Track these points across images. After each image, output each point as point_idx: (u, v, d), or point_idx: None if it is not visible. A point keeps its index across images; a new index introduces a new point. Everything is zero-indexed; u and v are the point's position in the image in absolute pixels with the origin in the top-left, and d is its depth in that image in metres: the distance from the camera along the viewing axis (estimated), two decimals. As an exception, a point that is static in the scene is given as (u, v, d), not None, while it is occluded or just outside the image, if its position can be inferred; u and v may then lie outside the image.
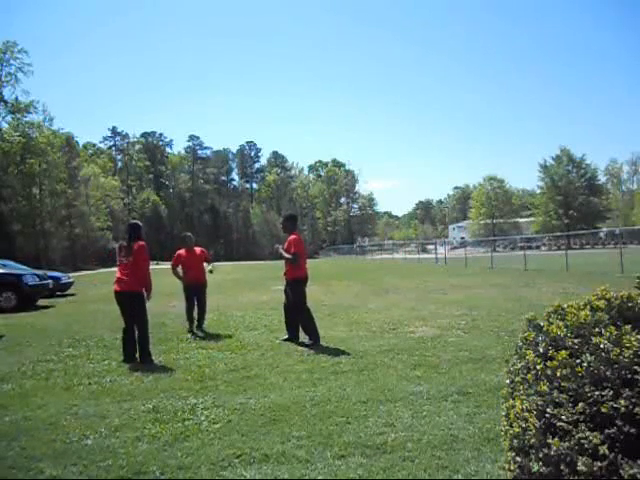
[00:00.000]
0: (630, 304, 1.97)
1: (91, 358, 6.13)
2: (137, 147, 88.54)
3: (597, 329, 1.90)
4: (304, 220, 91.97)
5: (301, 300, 6.58)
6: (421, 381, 4.52)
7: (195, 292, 7.98)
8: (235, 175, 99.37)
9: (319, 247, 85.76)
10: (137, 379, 5.02)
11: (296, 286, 6.62)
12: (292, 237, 6.70)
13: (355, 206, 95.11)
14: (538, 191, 71.76)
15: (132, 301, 5.91)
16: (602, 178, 72.15)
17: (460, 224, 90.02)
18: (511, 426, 1.99)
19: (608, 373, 1.74)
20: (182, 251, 8.14)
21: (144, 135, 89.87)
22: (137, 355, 5.90)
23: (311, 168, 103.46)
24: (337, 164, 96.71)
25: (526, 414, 1.90)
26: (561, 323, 2.02)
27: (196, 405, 4.09)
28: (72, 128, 59.67)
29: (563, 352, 1.87)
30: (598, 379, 1.76)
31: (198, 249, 8.25)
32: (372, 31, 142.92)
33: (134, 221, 6.52)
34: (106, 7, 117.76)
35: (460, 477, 2.69)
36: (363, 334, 7.01)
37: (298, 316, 6.59)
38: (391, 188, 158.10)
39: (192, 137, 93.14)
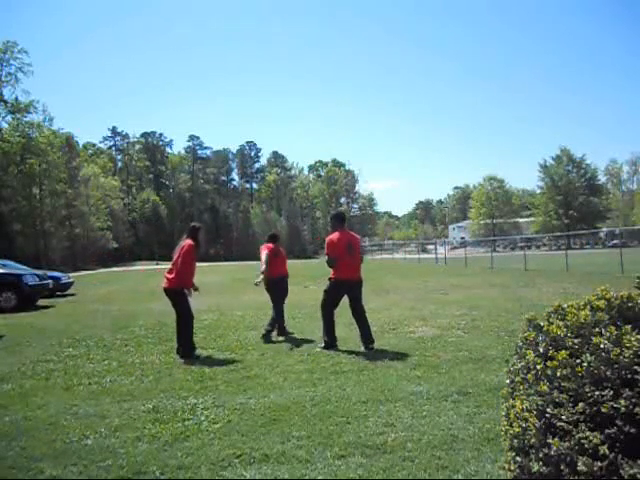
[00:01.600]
0: (630, 304, 1.97)
1: (91, 358, 6.12)
2: (137, 147, 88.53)
3: (597, 329, 1.89)
4: (304, 220, 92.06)
5: (324, 298, 6.27)
6: (421, 381, 4.52)
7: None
8: (235, 175, 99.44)
9: (319, 247, 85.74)
10: (137, 379, 5.02)
11: (329, 283, 6.27)
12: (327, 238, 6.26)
13: (355, 206, 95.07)
14: (538, 191, 71.88)
15: (171, 298, 6.20)
16: (602, 178, 72.37)
17: (460, 224, 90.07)
18: (511, 426, 1.99)
19: (608, 373, 1.74)
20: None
21: (144, 135, 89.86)
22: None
23: (311, 168, 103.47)
24: (337, 164, 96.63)
25: (526, 414, 1.90)
26: (561, 323, 2.02)
27: (196, 405, 4.08)
28: (72, 128, 59.86)
29: (563, 352, 1.87)
30: (598, 379, 1.76)
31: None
32: (372, 31, 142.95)
33: (192, 223, 6.65)
34: (106, 7, 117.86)
35: (460, 477, 2.68)
36: (363, 334, 7.00)
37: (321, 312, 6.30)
38: (391, 188, 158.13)
39: (192, 137, 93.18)
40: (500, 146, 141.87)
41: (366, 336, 5.99)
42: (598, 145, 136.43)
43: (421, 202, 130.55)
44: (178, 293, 6.10)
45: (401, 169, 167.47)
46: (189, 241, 6.22)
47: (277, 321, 7.18)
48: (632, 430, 1.64)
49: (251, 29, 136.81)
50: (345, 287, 6.17)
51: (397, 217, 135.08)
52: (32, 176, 47.43)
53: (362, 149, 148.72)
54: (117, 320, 9.41)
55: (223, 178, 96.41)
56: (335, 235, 6.18)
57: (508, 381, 2.17)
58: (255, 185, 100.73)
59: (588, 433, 1.69)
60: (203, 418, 3.77)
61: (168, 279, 6.18)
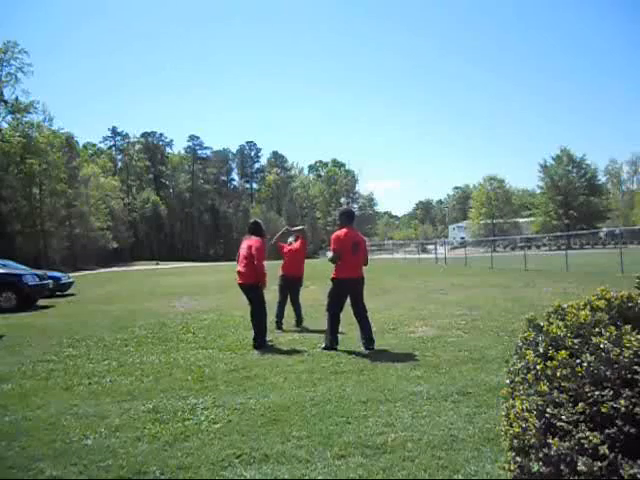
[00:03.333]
0: (630, 304, 1.97)
1: (91, 358, 6.12)
2: (137, 147, 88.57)
3: (597, 329, 1.89)
4: (304, 220, 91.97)
5: (329, 301, 6.17)
6: (421, 381, 4.52)
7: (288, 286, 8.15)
8: (235, 175, 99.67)
9: (319, 247, 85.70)
10: (137, 379, 5.02)
11: (331, 285, 6.21)
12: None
13: (355, 206, 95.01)
14: (538, 191, 71.80)
15: (247, 291, 6.58)
16: (602, 178, 72.20)
17: (460, 224, 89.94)
18: (511, 426, 1.99)
19: (608, 373, 1.74)
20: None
21: (144, 135, 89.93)
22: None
23: (311, 168, 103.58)
24: (337, 164, 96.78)
25: (526, 414, 1.90)
26: (561, 323, 2.02)
27: (196, 405, 4.08)
28: (72, 128, 59.84)
29: (563, 352, 1.87)
30: (598, 379, 1.76)
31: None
32: (372, 31, 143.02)
33: (254, 219, 7.22)
34: (106, 7, 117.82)
35: (460, 477, 2.68)
36: (363, 334, 7.00)
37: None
38: (391, 188, 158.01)
39: (192, 137, 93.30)
40: (500, 146, 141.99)
41: (367, 336, 5.95)
42: (598, 145, 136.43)
43: (421, 202, 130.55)
44: (253, 287, 6.46)
45: (401, 169, 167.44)
46: (258, 238, 6.56)
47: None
48: (632, 430, 1.64)
49: (251, 29, 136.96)
50: (347, 286, 6.09)
51: (397, 217, 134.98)
52: (32, 176, 47.44)
53: (362, 149, 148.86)
54: (117, 320, 9.41)
55: (223, 178, 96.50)
56: (342, 231, 6.11)
57: (508, 381, 2.17)
58: (255, 185, 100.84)
59: (588, 433, 1.69)
60: (203, 418, 3.77)
61: (243, 274, 6.49)
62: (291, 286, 8.07)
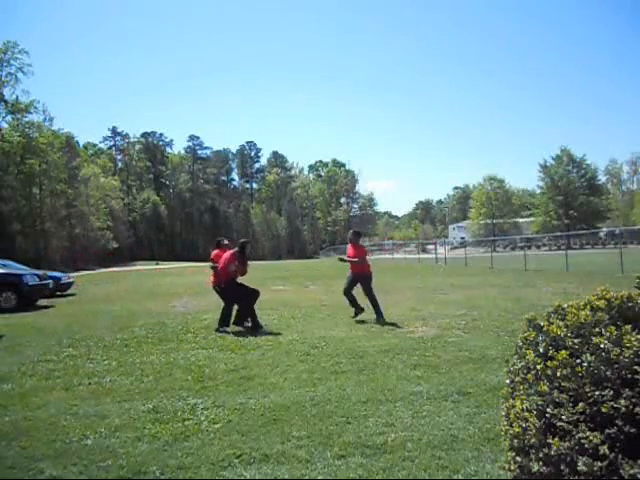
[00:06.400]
0: (630, 304, 1.97)
1: (91, 358, 6.12)
2: (137, 147, 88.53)
3: (597, 329, 1.90)
4: (304, 220, 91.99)
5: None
6: (421, 381, 4.52)
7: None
8: (235, 175, 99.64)
9: (319, 247, 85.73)
10: (137, 379, 5.02)
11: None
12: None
13: (355, 206, 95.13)
14: (538, 191, 71.77)
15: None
16: (602, 178, 72.13)
17: (460, 224, 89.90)
18: (511, 426, 1.99)
19: (608, 373, 1.74)
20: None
21: (144, 135, 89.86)
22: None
23: (311, 168, 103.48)
24: (337, 164, 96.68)
25: (526, 414, 1.90)
26: (561, 323, 2.02)
27: (196, 405, 4.09)
28: (72, 128, 59.57)
29: (563, 352, 1.87)
30: (598, 379, 1.76)
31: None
32: (372, 31, 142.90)
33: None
34: (106, 7, 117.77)
35: (460, 477, 2.69)
36: (363, 334, 7.01)
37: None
38: (391, 188, 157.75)
39: (192, 137, 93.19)
40: (500, 146, 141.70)
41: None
42: (598, 145, 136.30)
43: (421, 202, 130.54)
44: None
45: (401, 169, 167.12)
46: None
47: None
48: (632, 430, 1.64)
49: (251, 28, 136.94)
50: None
51: (397, 217, 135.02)
52: (32, 176, 47.38)
53: (362, 149, 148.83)
54: (117, 320, 9.40)
55: (223, 178, 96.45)
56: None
57: (508, 381, 2.17)
58: (255, 185, 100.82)
59: (588, 433, 1.69)
60: (203, 418, 3.77)
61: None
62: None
